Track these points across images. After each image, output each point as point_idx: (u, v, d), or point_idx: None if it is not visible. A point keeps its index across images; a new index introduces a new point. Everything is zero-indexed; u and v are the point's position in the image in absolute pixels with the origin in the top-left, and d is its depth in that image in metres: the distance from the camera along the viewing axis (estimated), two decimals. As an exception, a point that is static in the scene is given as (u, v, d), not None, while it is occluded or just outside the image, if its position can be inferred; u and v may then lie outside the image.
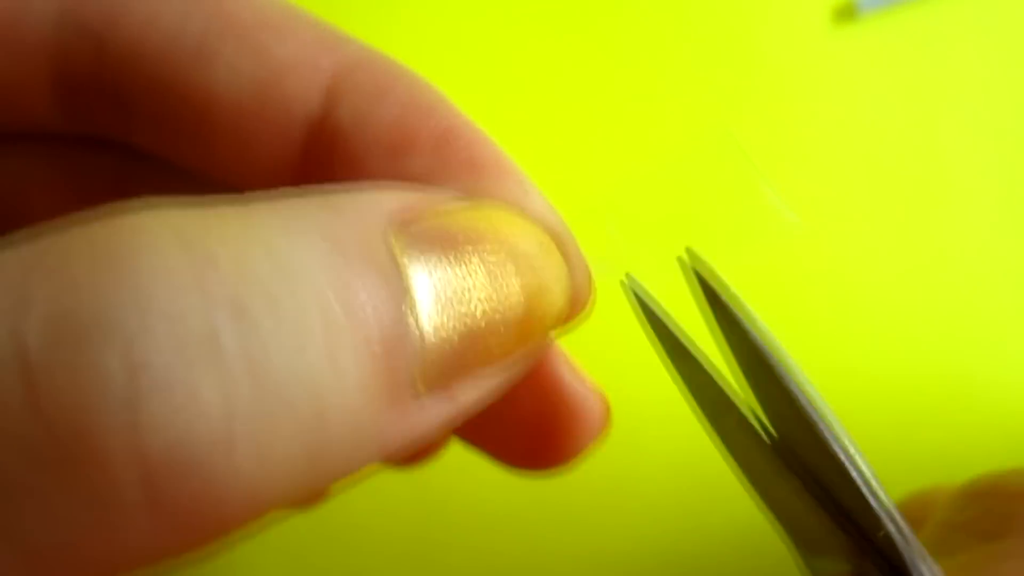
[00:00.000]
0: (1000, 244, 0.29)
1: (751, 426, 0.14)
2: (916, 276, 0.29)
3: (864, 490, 0.13)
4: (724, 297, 0.14)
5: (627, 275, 0.16)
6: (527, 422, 0.16)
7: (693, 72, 0.31)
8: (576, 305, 0.15)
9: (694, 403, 0.15)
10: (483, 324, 0.12)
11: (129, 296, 0.09)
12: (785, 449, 0.14)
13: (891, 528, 0.13)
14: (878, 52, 0.30)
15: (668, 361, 0.15)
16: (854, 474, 0.13)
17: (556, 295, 0.14)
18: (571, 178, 0.30)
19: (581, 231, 0.16)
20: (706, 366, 0.15)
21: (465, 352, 0.12)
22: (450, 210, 0.13)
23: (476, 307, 0.12)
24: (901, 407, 0.28)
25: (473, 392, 0.12)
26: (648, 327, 0.16)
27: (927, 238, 0.30)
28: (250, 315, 0.09)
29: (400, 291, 0.11)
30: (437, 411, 0.12)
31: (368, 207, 0.12)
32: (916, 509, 0.18)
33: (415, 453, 0.18)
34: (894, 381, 0.29)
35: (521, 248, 0.13)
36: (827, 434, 0.13)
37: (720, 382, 0.15)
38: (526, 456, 0.17)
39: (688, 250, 0.15)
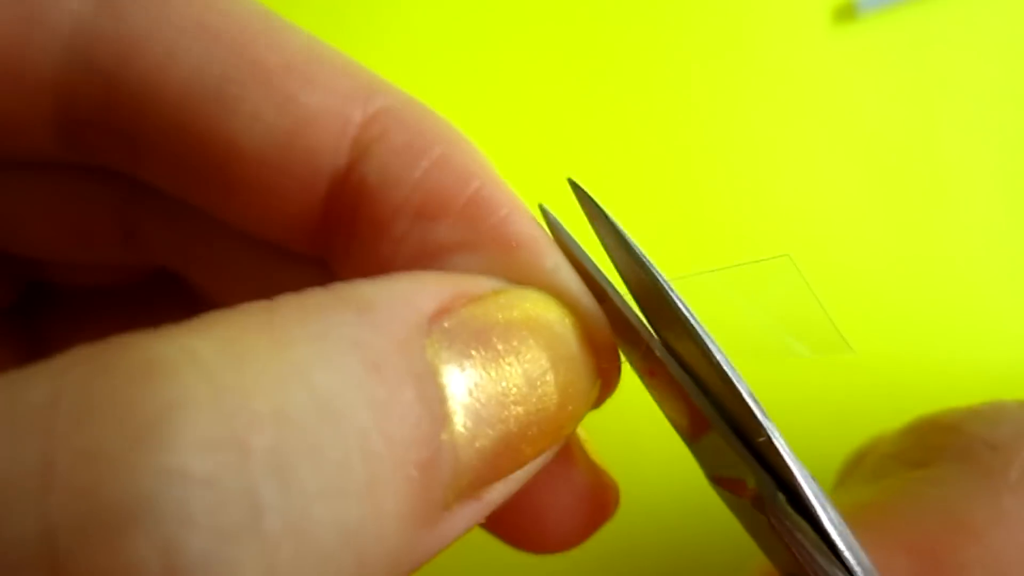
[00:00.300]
0: (999, 241, 0.29)
1: (661, 353, 0.14)
2: (915, 274, 0.29)
3: (746, 397, 0.13)
4: (614, 220, 0.14)
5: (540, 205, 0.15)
6: (535, 508, 0.16)
7: (693, 72, 0.31)
8: (605, 391, 0.14)
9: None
10: (518, 430, 0.12)
11: (163, 473, 0.08)
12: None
13: (772, 433, 0.13)
14: (878, 52, 0.30)
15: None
16: (735, 381, 0.13)
17: (588, 388, 0.13)
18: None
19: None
20: (615, 300, 0.15)
21: (499, 460, 0.12)
22: (486, 306, 0.12)
23: (512, 413, 0.12)
24: (901, 399, 0.28)
25: (502, 491, 0.12)
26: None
27: (927, 237, 0.29)
28: (292, 473, 0.09)
29: (437, 409, 0.11)
30: (467, 517, 0.12)
31: (402, 312, 0.11)
32: (864, 451, 0.18)
33: None
34: (891, 373, 0.28)
35: (557, 344, 0.13)
36: (711, 347, 0.13)
37: (628, 312, 0.14)
38: (530, 539, 0.16)
39: (571, 179, 0.15)
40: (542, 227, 0.15)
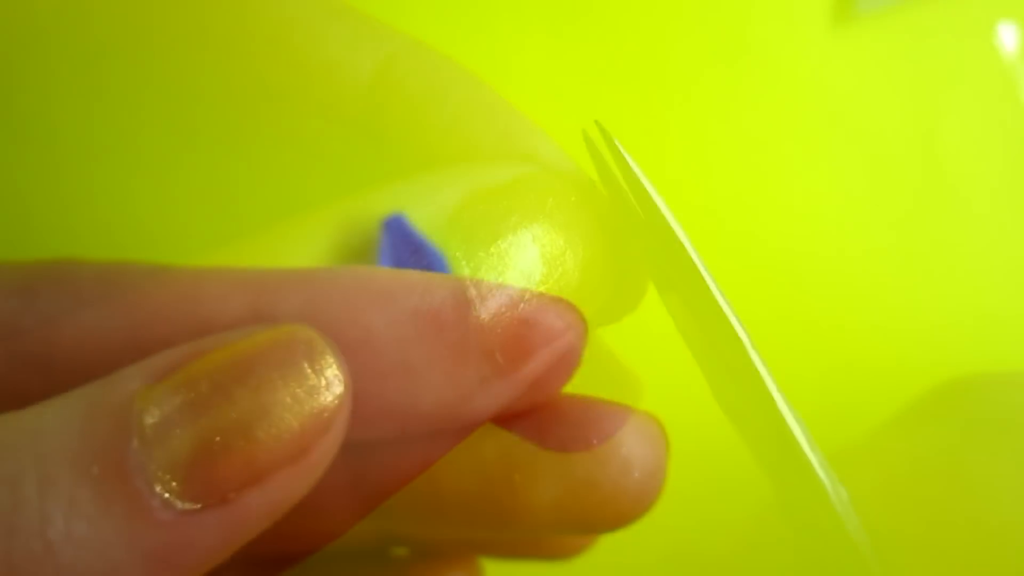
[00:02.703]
0: (1000, 243, 0.29)
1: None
2: (914, 276, 0.29)
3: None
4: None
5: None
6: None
7: (691, 72, 0.31)
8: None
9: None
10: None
11: None
12: None
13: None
14: (878, 52, 0.31)
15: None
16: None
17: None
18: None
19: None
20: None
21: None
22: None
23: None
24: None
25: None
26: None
27: (926, 238, 0.29)
28: None
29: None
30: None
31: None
32: None
33: None
34: (889, 382, 0.28)
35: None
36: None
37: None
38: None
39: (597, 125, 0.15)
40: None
